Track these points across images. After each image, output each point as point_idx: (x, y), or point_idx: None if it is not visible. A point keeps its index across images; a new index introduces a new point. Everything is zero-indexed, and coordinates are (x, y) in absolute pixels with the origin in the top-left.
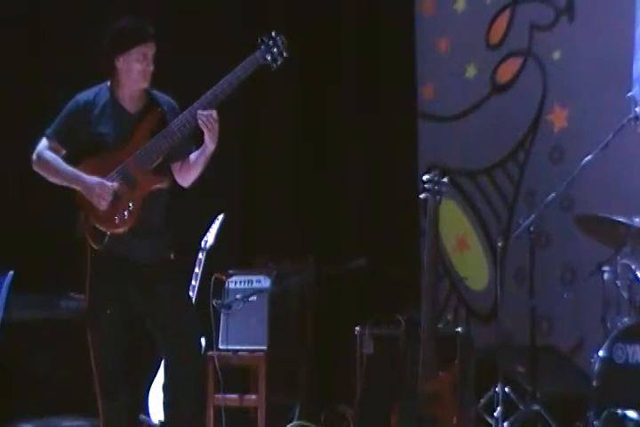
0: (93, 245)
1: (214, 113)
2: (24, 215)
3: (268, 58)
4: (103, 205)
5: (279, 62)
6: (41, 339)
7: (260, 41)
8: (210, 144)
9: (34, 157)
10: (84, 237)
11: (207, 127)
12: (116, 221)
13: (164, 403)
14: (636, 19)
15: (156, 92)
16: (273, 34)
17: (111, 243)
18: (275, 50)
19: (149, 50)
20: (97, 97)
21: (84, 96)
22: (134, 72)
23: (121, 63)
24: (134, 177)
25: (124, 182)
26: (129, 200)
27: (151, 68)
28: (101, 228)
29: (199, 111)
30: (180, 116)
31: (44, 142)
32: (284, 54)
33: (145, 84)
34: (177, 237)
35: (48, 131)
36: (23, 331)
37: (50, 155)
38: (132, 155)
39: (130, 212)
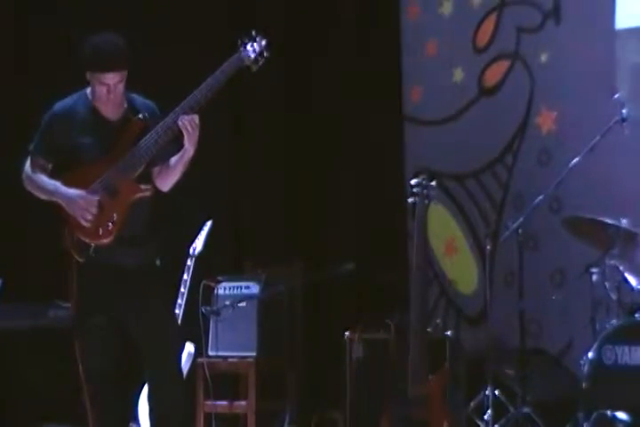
0: (77, 258)
1: (196, 118)
2: (12, 224)
3: (248, 60)
4: (88, 218)
5: (260, 63)
6: (29, 347)
7: (239, 42)
8: (189, 148)
9: (23, 177)
10: (67, 249)
11: (187, 131)
12: (100, 233)
13: (149, 413)
14: None
15: (135, 97)
16: (253, 33)
17: (96, 252)
18: (255, 51)
19: (111, 80)
20: (76, 105)
21: (60, 106)
22: (98, 93)
23: (89, 78)
24: (117, 187)
25: (106, 193)
26: (113, 211)
27: (113, 95)
28: (86, 240)
29: (181, 116)
30: (161, 123)
31: (29, 160)
32: (265, 54)
33: (109, 106)
34: (165, 243)
35: (30, 147)
36: (11, 340)
37: (32, 172)
38: (113, 165)
39: (114, 223)
